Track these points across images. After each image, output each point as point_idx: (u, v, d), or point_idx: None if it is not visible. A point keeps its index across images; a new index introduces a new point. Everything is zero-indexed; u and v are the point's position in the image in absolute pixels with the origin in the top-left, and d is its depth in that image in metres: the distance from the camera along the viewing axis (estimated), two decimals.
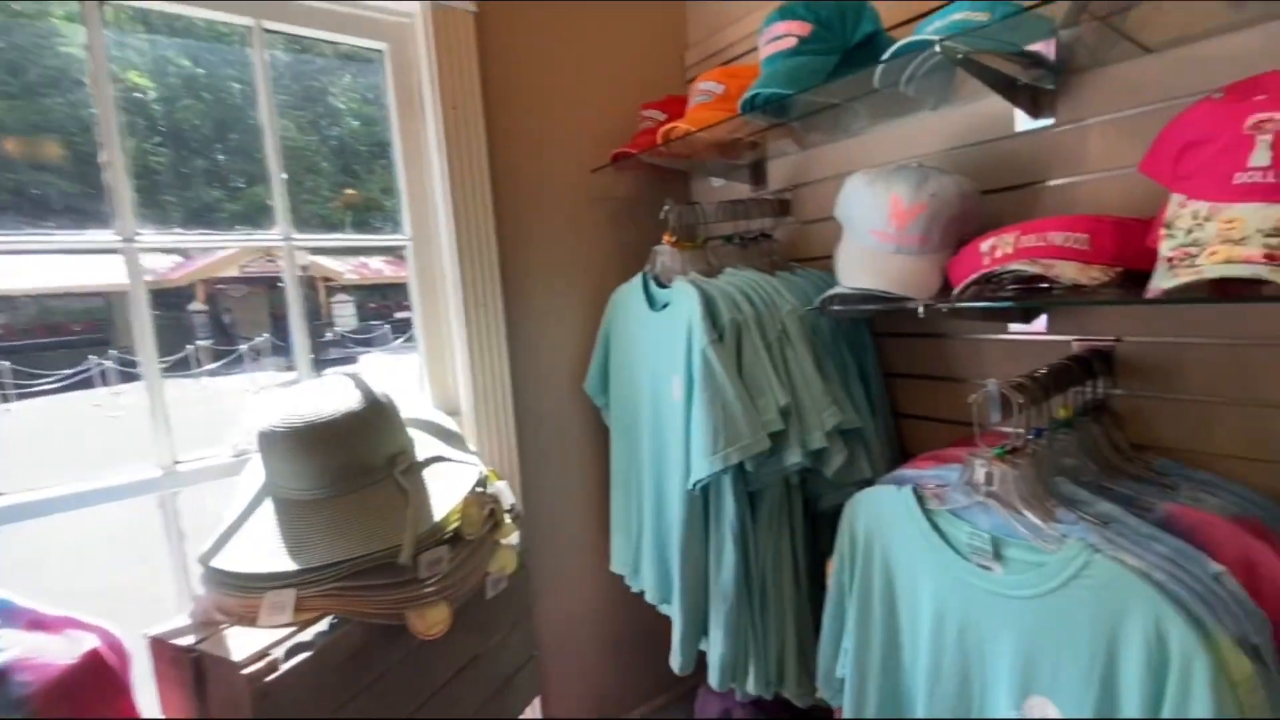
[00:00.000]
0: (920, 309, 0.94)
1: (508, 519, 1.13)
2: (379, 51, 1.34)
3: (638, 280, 1.35)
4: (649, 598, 1.34)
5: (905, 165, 1.05)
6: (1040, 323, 1.09)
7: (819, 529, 1.19)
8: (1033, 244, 0.84)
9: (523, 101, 1.47)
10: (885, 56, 0.93)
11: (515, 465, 1.46)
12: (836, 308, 1.09)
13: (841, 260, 1.09)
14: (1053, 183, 1.04)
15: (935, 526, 0.87)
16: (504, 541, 1.09)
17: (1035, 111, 1.04)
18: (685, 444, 1.14)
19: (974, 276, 0.86)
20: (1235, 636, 0.62)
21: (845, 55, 1.03)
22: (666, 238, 1.28)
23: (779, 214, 1.45)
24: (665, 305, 1.26)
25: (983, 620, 0.79)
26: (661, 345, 1.22)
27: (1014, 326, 1.12)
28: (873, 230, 1.04)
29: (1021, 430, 0.82)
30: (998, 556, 0.80)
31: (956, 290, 0.89)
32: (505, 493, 1.18)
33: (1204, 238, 0.63)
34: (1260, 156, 0.60)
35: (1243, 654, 0.60)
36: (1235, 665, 0.60)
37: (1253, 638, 0.63)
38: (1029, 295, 0.86)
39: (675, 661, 1.22)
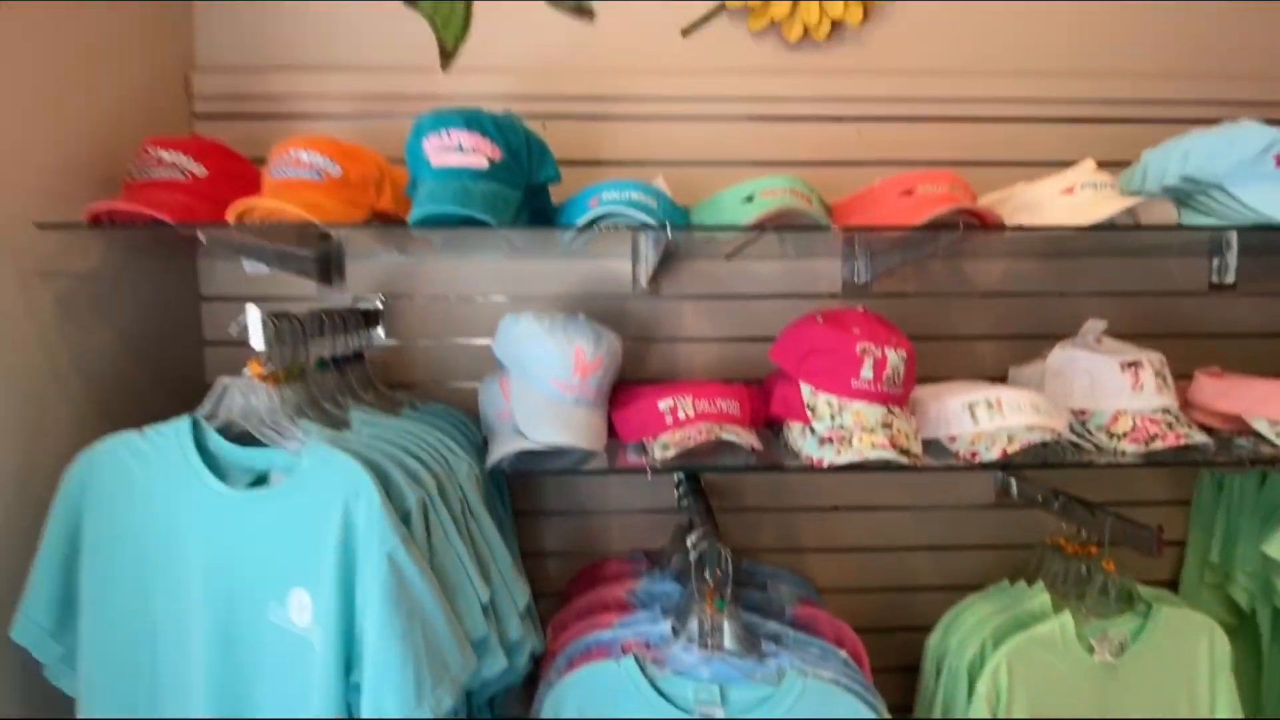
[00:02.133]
0: (649, 474, 0.95)
1: None
2: None
3: (172, 435, 0.81)
4: None
5: (573, 316, 1.05)
6: None
7: None
8: (708, 409, 0.98)
9: None
10: (582, 223, 0.92)
11: None
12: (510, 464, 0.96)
13: (522, 410, 0.97)
14: (659, 339, 1.25)
15: (661, 693, 0.87)
16: None
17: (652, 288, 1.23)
18: (306, 693, 0.75)
19: (682, 443, 0.93)
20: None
21: (525, 191, 0.95)
22: (254, 367, 0.83)
23: (368, 326, 1.17)
24: (262, 479, 0.81)
25: None
26: (254, 545, 0.77)
27: None
28: (555, 380, 0.98)
29: None
30: (724, 702, 0.87)
31: (665, 459, 0.93)
32: None
33: (848, 424, 0.90)
34: (867, 372, 0.91)
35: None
36: None
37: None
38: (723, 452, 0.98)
39: None
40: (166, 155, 0.94)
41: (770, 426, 1.07)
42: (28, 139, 0.86)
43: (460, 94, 1.20)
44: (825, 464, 0.89)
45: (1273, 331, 1.30)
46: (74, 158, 0.94)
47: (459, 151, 0.87)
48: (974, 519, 1.31)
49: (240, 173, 1.01)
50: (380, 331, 1.22)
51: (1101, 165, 1.17)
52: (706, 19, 1.23)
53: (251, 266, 1.13)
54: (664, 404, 0.99)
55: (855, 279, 1.23)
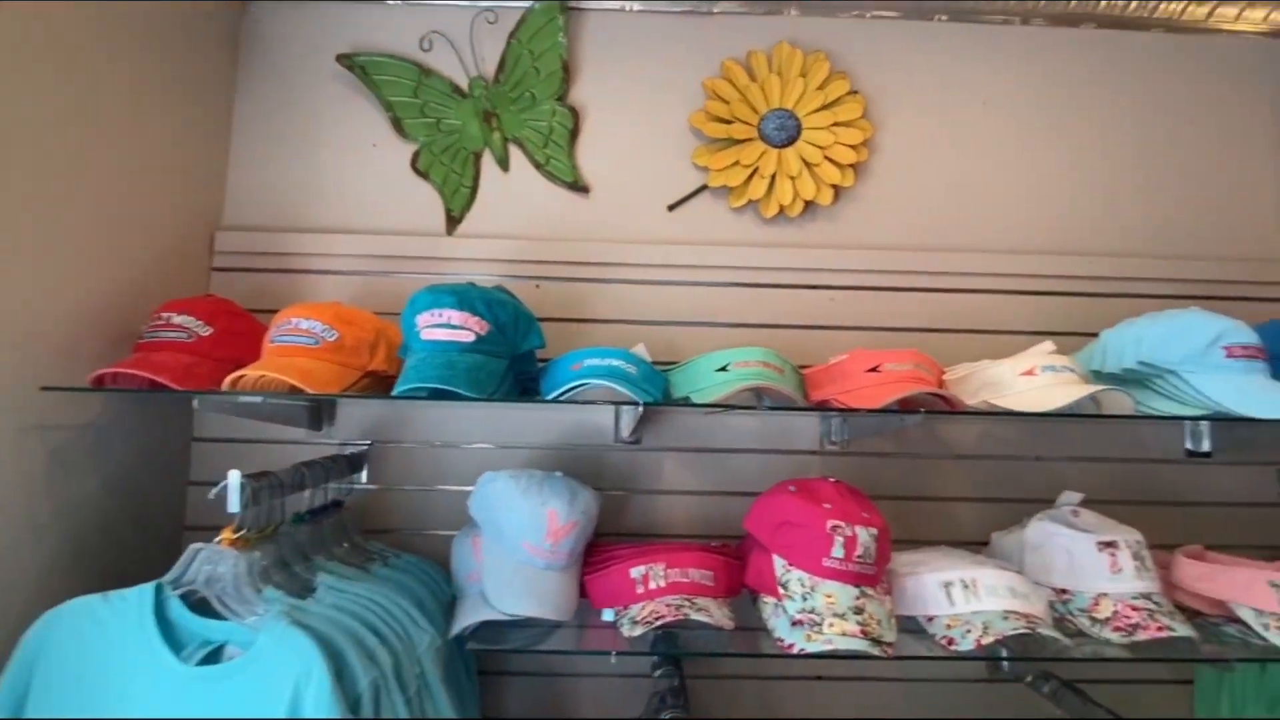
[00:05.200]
0: (613, 656, 0.92)
1: None
2: None
3: (135, 601, 0.80)
4: None
5: (551, 475, 1.07)
6: None
7: None
8: (680, 579, 0.97)
9: None
10: (558, 395, 0.96)
11: None
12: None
13: (491, 577, 0.96)
14: (639, 491, 1.26)
15: None
16: None
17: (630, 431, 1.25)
18: None
19: (650, 620, 0.91)
20: None
21: (511, 360, 1.00)
22: (227, 534, 0.84)
23: (352, 471, 1.19)
24: (214, 652, 0.80)
25: None
26: None
27: None
28: (527, 543, 0.98)
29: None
30: None
31: (632, 638, 0.91)
32: None
33: (818, 606, 0.88)
34: (838, 551, 0.91)
35: None
36: None
37: None
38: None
39: None
40: (177, 318, 1.01)
41: (750, 590, 1.05)
42: (46, 302, 0.93)
43: (462, 256, 1.30)
44: (796, 650, 0.87)
45: (1249, 501, 1.30)
46: (90, 315, 1.01)
47: (448, 327, 0.93)
48: (966, 692, 1.24)
49: (246, 330, 1.08)
50: (364, 475, 1.24)
51: (1064, 336, 1.24)
52: (691, 196, 1.35)
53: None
54: (636, 571, 0.98)
55: (831, 437, 1.25)
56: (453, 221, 1.34)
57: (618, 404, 0.95)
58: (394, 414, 1.28)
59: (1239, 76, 1.45)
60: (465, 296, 0.95)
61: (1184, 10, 1.42)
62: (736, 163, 1.33)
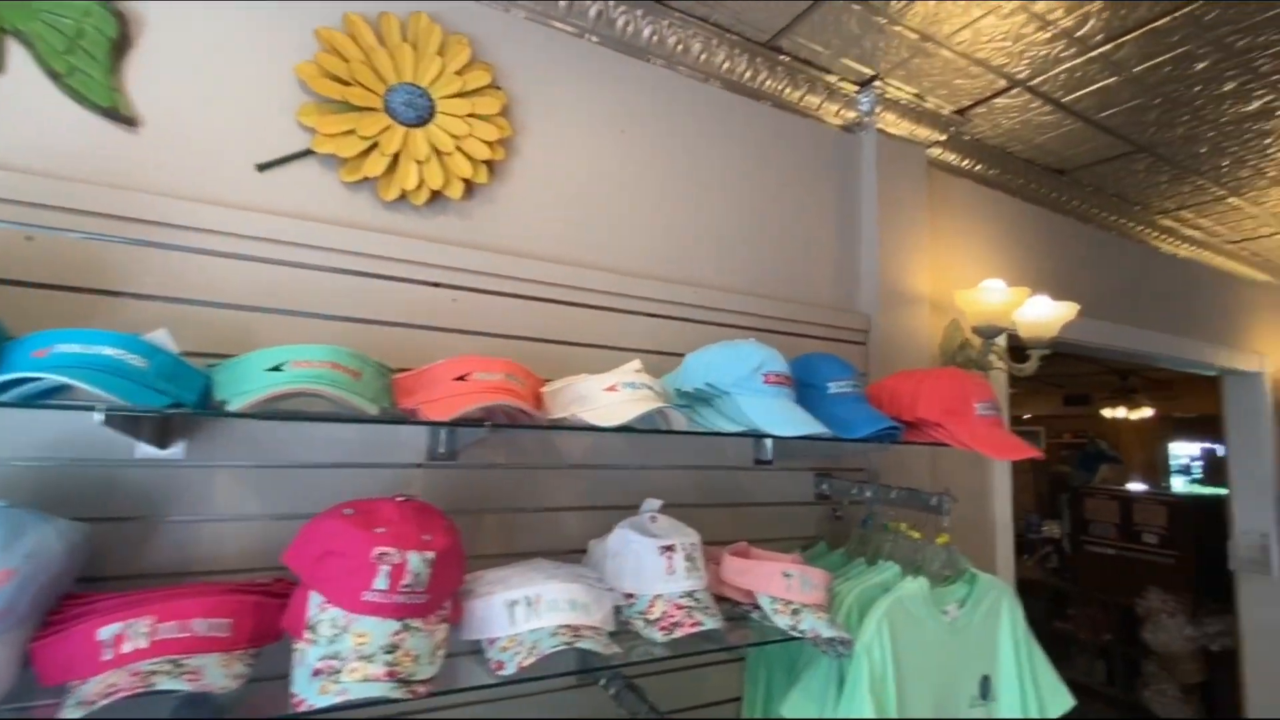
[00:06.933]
0: None
1: None
2: None
3: None
4: None
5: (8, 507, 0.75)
6: None
7: None
8: (174, 634, 0.76)
9: None
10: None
11: None
12: None
13: None
14: (174, 519, 0.98)
15: None
16: None
17: (160, 441, 0.98)
18: None
19: (98, 696, 0.68)
20: None
21: None
22: None
23: None
24: None
25: None
26: None
27: None
28: None
29: None
30: None
31: (76, 713, 0.67)
32: None
33: (344, 650, 0.76)
34: (381, 582, 0.80)
35: None
36: None
37: None
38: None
39: None
40: None
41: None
42: None
43: None
44: (304, 706, 0.73)
45: (798, 500, 1.59)
46: None
47: None
48: (562, 700, 1.26)
49: None
50: None
51: (671, 356, 1.34)
52: (290, 159, 1.13)
53: None
54: (107, 631, 0.74)
55: (439, 448, 1.16)
56: None
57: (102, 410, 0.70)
58: None
59: (819, 157, 1.80)
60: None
61: (784, 91, 1.70)
62: (353, 131, 1.15)
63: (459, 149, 1.24)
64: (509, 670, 0.85)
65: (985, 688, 1.28)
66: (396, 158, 1.19)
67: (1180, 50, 1.58)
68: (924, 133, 1.88)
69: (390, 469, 1.15)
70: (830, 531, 1.57)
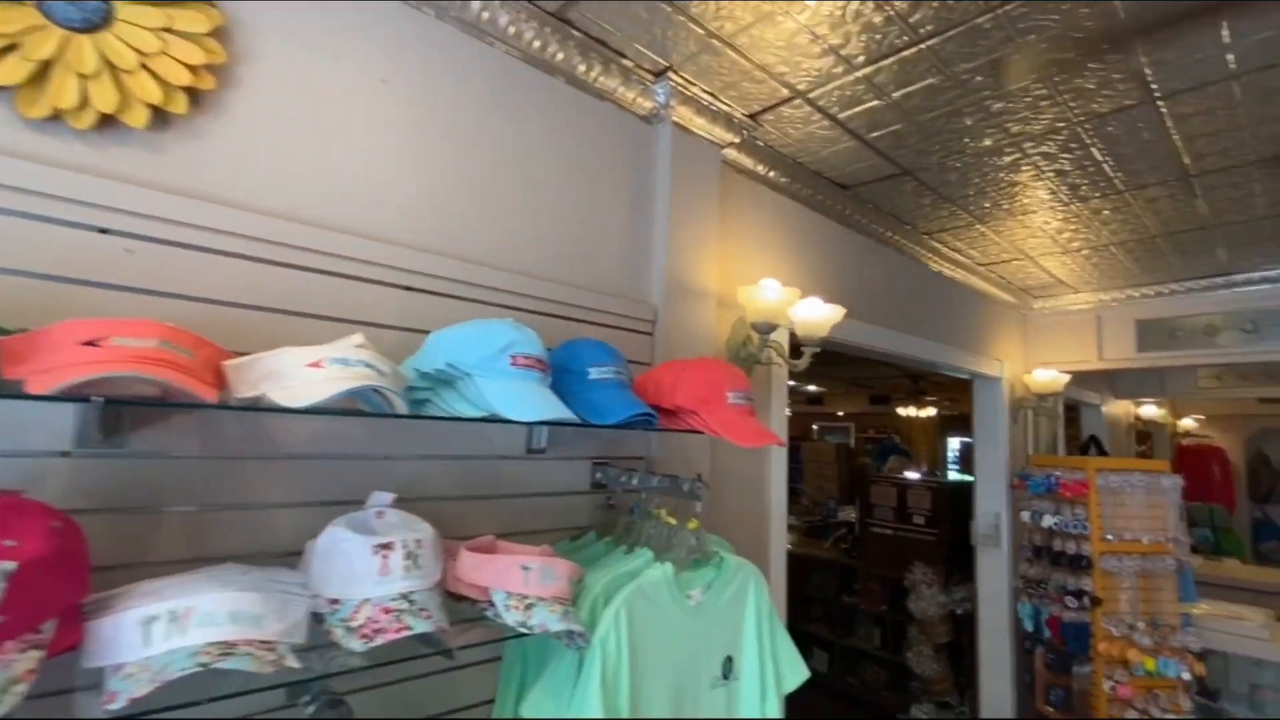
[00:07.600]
0: None
1: None
2: None
3: None
4: None
5: None
6: None
7: None
8: None
9: None
10: None
11: None
12: None
13: None
14: None
15: None
16: None
17: None
18: None
19: None
20: None
21: None
22: None
23: None
24: None
25: None
26: None
27: None
28: None
29: None
30: None
31: None
32: None
33: None
34: None
35: None
36: None
37: None
38: None
39: None
40: None
41: None
42: None
43: None
44: None
45: (572, 490, 1.55)
46: None
47: None
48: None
49: None
50: None
51: (419, 332, 1.21)
52: None
53: None
54: None
55: (92, 432, 0.93)
56: None
57: None
58: None
59: (615, 143, 1.77)
60: None
61: (578, 68, 1.64)
62: None
63: (145, 67, 1.01)
64: (118, 705, 0.69)
65: (728, 668, 1.32)
66: (48, 66, 0.94)
67: (927, 82, 1.76)
68: (720, 133, 1.94)
69: (19, 459, 0.90)
70: (602, 521, 1.55)
